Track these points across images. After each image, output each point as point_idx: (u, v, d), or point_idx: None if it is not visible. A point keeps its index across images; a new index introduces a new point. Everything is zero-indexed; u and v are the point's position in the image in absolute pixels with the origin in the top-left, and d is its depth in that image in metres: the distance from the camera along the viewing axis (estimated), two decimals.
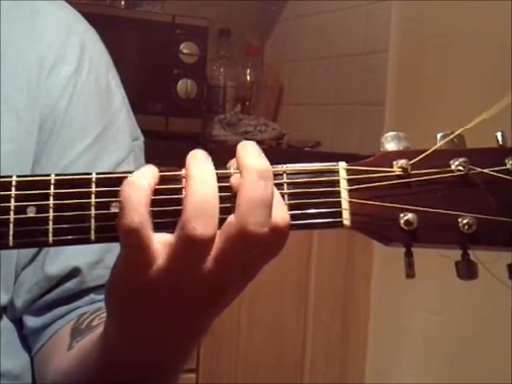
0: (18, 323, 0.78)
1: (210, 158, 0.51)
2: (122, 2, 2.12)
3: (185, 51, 1.99)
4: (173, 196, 0.51)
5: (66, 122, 0.78)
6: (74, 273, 0.76)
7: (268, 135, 2.07)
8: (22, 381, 0.77)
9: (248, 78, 2.27)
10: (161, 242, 0.50)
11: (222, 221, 0.50)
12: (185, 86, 1.99)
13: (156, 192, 0.51)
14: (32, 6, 0.82)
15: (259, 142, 1.85)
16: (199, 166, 0.50)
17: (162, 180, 0.52)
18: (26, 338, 0.78)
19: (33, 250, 0.76)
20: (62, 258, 0.75)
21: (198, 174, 0.49)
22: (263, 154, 0.50)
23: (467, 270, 0.51)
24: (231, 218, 0.49)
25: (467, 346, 1.64)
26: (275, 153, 1.90)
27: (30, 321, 0.77)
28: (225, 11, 2.27)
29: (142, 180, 0.50)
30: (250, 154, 0.50)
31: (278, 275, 1.78)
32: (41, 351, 0.76)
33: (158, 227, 0.51)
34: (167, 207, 0.51)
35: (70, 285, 0.76)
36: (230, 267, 0.51)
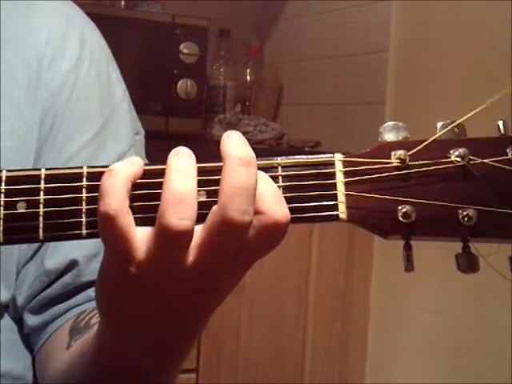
0: (20, 322, 0.78)
1: (192, 155, 0.50)
2: (122, 2, 2.12)
3: (185, 51, 1.98)
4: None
5: (66, 116, 0.78)
6: (72, 265, 0.75)
7: (268, 135, 2.07)
8: (23, 381, 0.76)
9: (248, 77, 2.26)
10: (142, 235, 0.49)
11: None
12: (185, 86, 1.98)
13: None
14: (29, 1, 0.81)
15: (259, 142, 1.83)
16: (178, 159, 0.49)
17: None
18: (28, 338, 0.78)
19: (34, 247, 0.76)
20: (61, 252, 0.75)
21: (176, 165, 0.49)
22: (247, 143, 0.50)
23: (468, 263, 0.50)
24: (214, 206, 0.49)
25: (467, 345, 1.63)
26: (275, 153, 1.90)
27: (30, 319, 0.76)
28: (225, 11, 2.27)
29: (121, 168, 0.50)
30: (233, 143, 0.49)
31: (278, 275, 1.78)
32: (41, 350, 0.75)
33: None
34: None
35: (67, 279, 0.75)
36: (217, 257, 0.49)
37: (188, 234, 0.48)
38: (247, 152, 0.49)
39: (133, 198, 0.50)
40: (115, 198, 0.48)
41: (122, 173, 0.50)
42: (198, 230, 0.49)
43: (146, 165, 0.51)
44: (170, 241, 0.48)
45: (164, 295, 0.51)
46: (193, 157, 0.50)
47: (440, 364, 1.69)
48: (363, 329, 1.87)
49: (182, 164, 0.49)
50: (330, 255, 1.84)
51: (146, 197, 0.51)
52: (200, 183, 0.50)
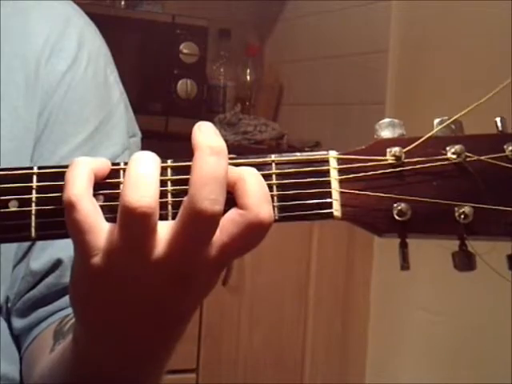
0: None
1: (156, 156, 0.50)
2: (122, 2, 2.12)
3: (185, 51, 1.99)
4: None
5: (60, 117, 0.77)
6: (56, 266, 0.74)
7: (268, 135, 2.07)
8: (18, 382, 0.76)
9: (248, 77, 2.26)
10: (109, 225, 0.49)
11: None
12: (185, 86, 1.98)
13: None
14: (29, 1, 0.81)
15: (259, 142, 1.83)
16: (142, 153, 0.50)
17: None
18: (16, 340, 0.77)
19: (24, 248, 0.75)
20: (47, 253, 0.74)
21: (136, 156, 0.49)
22: (218, 133, 0.49)
23: (464, 261, 0.50)
24: (185, 198, 0.48)
25: (467, 345, 1.63)
26: (275, 153, 1.90)
27: (16, 322, 0.76)
28: (225, 11, 2.27)
29: (84, 159, 0.50)
30: (204, 133, 0.48)
31: (278, 275, 1.78)
32: (26, 353, 0.75)
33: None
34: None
35: (51, 279, 0.75)
36: (188, 251, 0.48)
37: (149, 212, 0.47)
38: (217, 142, 0.48)
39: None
40: (77, 184, 0.49)
41: (84, 163, 0.50)
42: (170, 224, 0.48)
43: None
44: (133, 221, 0.47)
45: (133, 295, 0.50)
46: (156, 157, 0.50)
47: (440, 364, 1.69)
48: (363, 329, 1.87)
49: (141, 154, 0.49)
50: (330, 255, 1.83)
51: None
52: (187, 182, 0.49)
